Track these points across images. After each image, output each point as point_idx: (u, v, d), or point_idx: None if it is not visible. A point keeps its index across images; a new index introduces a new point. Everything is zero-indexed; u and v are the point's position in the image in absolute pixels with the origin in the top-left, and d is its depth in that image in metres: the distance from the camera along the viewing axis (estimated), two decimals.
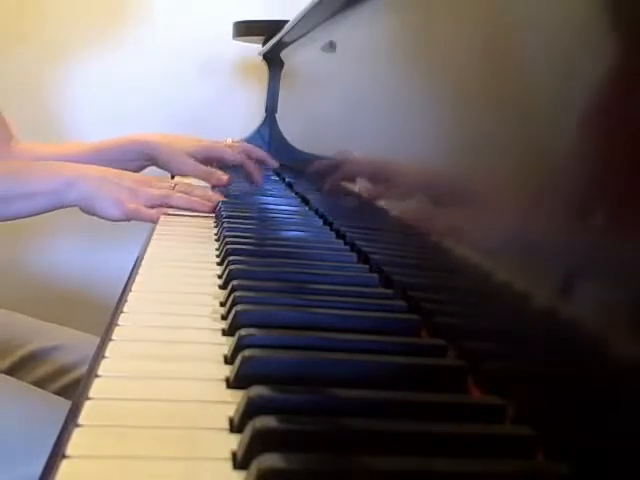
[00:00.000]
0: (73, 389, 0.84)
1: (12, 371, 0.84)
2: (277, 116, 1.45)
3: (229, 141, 1.20)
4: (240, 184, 1.10)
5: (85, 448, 0.31)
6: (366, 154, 0.74)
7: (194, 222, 0.85)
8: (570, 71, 0.34)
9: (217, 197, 0.93)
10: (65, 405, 0.73)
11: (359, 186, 0.75)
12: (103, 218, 0.86)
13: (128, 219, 0.86)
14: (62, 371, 0.87)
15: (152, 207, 0.86)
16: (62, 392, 0.82)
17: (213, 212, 0.89)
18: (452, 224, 0.48)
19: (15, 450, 0.66)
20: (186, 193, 0.90)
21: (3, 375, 0.79)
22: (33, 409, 0.72)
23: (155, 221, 0.84)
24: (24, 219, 0.89)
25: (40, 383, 0.83)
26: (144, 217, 0.85)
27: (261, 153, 1.20)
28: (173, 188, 0.90)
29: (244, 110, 1.62)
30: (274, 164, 1.22)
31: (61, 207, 0.86)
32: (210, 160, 1.12)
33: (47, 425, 0.66)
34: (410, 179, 0.59)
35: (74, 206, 0.86)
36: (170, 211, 0.87)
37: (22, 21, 1.60)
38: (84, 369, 0.86)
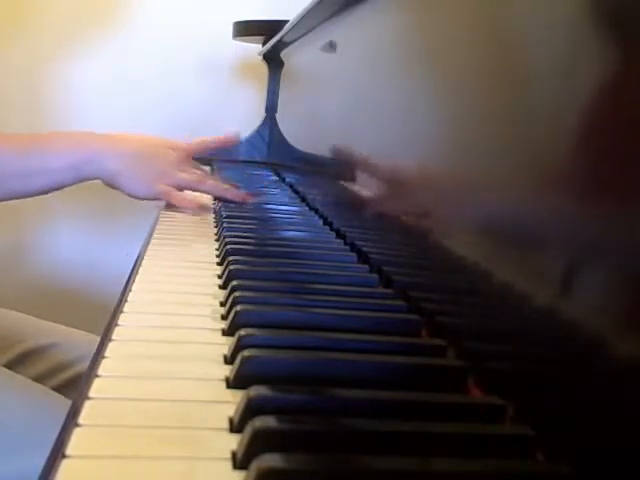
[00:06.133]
0: (70, 386, 0.85)
1: (9, 367, 0.84)
2: (277, 116, 1.45)
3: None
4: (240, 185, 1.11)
5: (85, 448, 0.31)
6: (366, 154, 0.74)
7: (194, 222, 0.85)
8: (571, 70, 0.34)
9: (245, 193, 0.94)
10: (63, 402, 0.73)
11: (359, 186, 0.75)
12: (128, 195, 0.86)
13: (156, 199, 0.86)
14: (59, 368, 0.87)
15: (182, 191, 0.86)
16: (59, 389, 0.82)
17: (243, 202, 0.90)
18: (452, 224, 0.48)
19: (15, 443, 0.66)
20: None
21: (3, 368, 0.79)
22: (33, 403, 0.72)
23: (188, 210, 0.84)
24: (26, 216, 0.89)
25: (37, 380, 0.83)
26: (175, 201, 0.85)
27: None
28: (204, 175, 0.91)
29: (244, 110, 1.62)
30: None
31: (83, 181, 0.85)
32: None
33: (46, 420, 0.66)
34: (410, 179, 0.59)
35: (96, 179, 0.85)
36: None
37: (15, 17, 1.60)
38: (81, 367, 0.86)
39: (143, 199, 0.86)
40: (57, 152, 0.84)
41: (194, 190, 0.88)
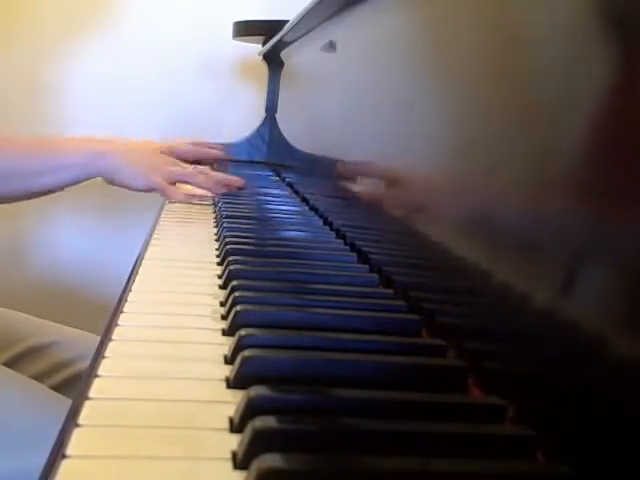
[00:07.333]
0: (70, 385, 0.85)
1: (9, 365, 0.84)
2: (277, 116, 1.45)
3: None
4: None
5: (85, 448, 0.31)
6: (366, 154, 0.74)
7: (194, 222, 0.85)
8: (573, 70, 0.34)
9: (238, 180, 1.01)
10: (63, 400, 0.73)
11: (359, 186, 0.75)
12: (125, 187, 0.93)
13: (150, 190, 0.93)
14: (60, 366, 0.88)
15: (173, 184, 0.94)
16: (59, 387, 0.83)
17: (237, 189, 0.99)
18: (452, 224, 0.48)
19: (15, 441, 0.66)
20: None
21: (3, 367, 0.79)
22: (33, 401, 0.72)
23: (180, 201, 0.92)
24: (25, 217, 0.91)
25: (37, 378, 0.83)
26: (168, 193, 0.92)
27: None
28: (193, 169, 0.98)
29: (244, 110, 1.62)
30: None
31: (87, 179, 0.92)
32: None
33: (46, 418, 0.66)
34: (410, 179, 0.59)
35: (99, 176, 0.92)
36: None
37: (14, 18, 1.60)
38: (81, 365, 0.86)
39: (140, 190, 0.93)
40: (67, 151, 0.91)
41: (186, 182, 0.95)
